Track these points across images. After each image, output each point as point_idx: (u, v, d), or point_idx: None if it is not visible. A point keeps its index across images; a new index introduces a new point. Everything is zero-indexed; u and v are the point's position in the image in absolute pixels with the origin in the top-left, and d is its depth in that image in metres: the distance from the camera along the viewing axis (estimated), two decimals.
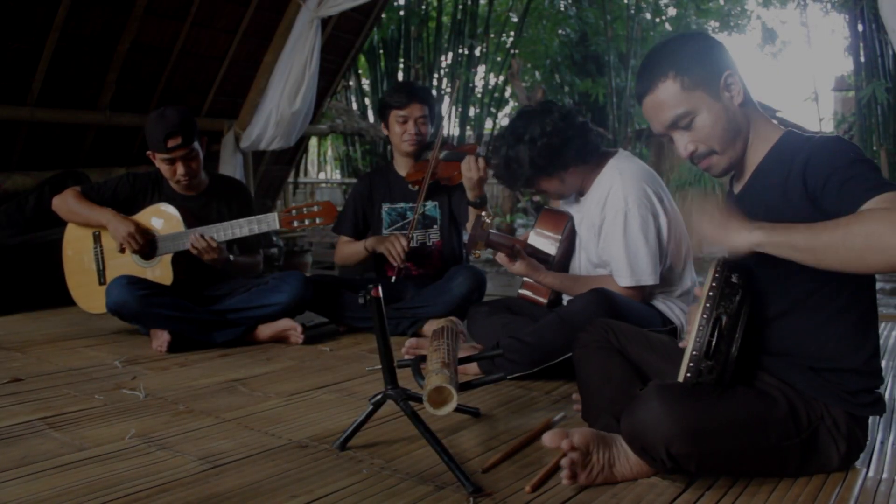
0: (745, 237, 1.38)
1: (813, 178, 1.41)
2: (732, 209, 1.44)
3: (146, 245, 3.01)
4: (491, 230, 2.36)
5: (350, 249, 3.31)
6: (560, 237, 2.59)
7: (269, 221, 2.95)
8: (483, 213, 2.35)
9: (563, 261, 2.62)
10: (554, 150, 2.39)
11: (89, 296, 3.18)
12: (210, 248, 2.92)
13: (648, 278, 2.39)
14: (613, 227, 2.39)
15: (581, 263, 2.61)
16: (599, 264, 2.52)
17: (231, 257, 3.08)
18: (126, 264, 3.07)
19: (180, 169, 3.01)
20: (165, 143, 2.94)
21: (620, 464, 1.55)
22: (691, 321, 1.64)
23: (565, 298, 2.63)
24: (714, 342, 1.46)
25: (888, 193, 1.29)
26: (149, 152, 3.06)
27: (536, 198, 15.46)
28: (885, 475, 1.61)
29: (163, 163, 3.02)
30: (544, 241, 2.61)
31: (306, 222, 2.93)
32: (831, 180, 1.38)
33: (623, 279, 2.40)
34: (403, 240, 3.08)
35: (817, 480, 1.55)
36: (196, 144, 3.04)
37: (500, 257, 2.43)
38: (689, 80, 1.56)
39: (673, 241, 2.42)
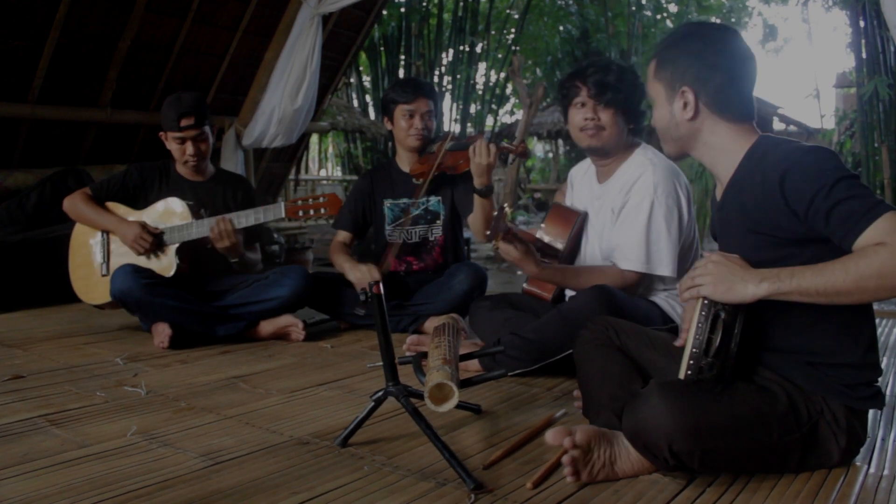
0: (752, 290, 1.41)
1: (794, 196, 1.42)
2: (734, 259, 1.47)
3: (155, 242, 3.04)
4: (509, 224, 2.35)
5: (337, 258, 3.28)
6: (569, 233, 2.58)
7: (276, 210, 3.00)
8: (505, 205, 2.34)
9: (569, 257, 2.62)
10: (640, 98, 2.49)
11: (90, 287, 3.19)
12: (228, 233, 2.94)
13: (665, 268, 2.38)
14: (637, 210, 2.39)
15: (587, 256, 2.61)
16: (609, 256, 2.51)
17: (245, 253, 3.12)
18: (130, 255, 3.09)
19: (189, 149, 3.11)
20: (179, 121, 3.06)
21: (622, 461, 1.55)
22: (687, 318, 1.64)
23: (568, 294, 2.63)
24: (713, 339, 1.46)
25: (884, 221, 1.31)
26: (161, 133, 3.17)
27: (538, 194, 15.48)
28: (885, 472, 1.61)
29: (174, 142, 3.13)
30: (553, 235, 2.61)
31: (311, 213, 2.98)
32: (816, 203, 1.38)
33: (635, 264, 2.38)
34: (375, 271, 3.06)
35: (818, 477, 1.55)
36: (207, 128, 3.16)
37: (504, 246, 2.38)
38: (657, 73, 1.66)
39: (687, 238, 2.44)
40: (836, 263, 1.34)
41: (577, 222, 2.60)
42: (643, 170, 2.42)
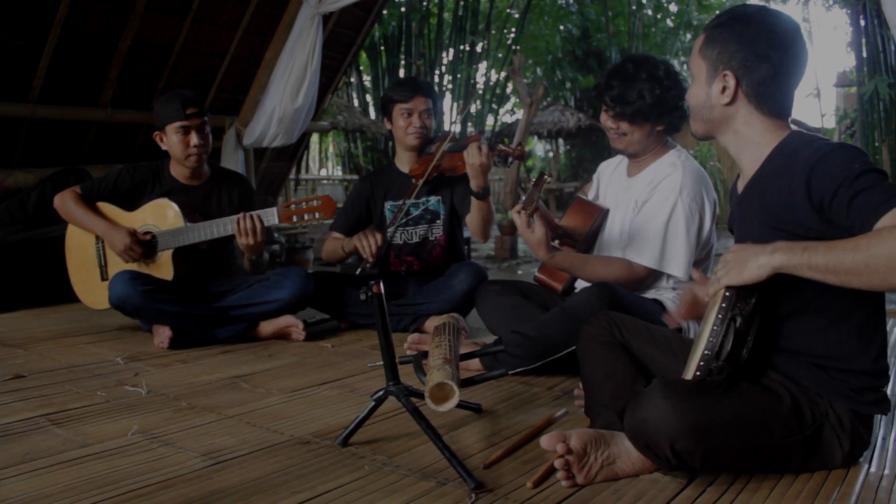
0: (766, 261, 1.38)
1: (818, 189, 1.40)
2: (747, 245, 1.44)
3: (146, 250, 3.01)
4: (541, 200, 2.34)
5: (332, 246, 3.28)
6: (589, 227, 2.58)
7: (268, 216, 2.92)
8: (546, 174, 2.33)
9: (587, 250, 2.62)
10: (673, 101, 2.40)
11: (92, 291, 3.18)
12: (256, 230, 2.85)
13: (677, 269, 2.38)
14: (659, 208, 2.39)
15: (606, 247, 2.60)
16: (627, 248, 2.51)
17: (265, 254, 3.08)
18: None
19: (195, 139, 3.04)
20: (184, 110, 3.01)
21: (621, 461, 1.55)
22: (684, 301, 1.65)
23: (578, 286, 2.63)
24: (725, 343, 1.45)
25: None
26: (157, 133, 3.09)
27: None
28: (886, 471, 1.60)
29: (176, 135, 3.04)
30: (571, 229, 2.61)
31: (305, 217, 2.90)
32: (840, 193, 1.36)
33: (648, 260, 2.38)
34: (379, 235, 3.03)
35: (819, 477, 1.55)
36: (206, 119, 3.11)
37: (522, 227, 2.33)
38: (703, 49, 1.61)
39: (705, 247, 2.44)
40: (848, 241, 1.30)
41: (597, 217, 2.60)
42: (673, 170, 2.42)
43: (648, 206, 2.43)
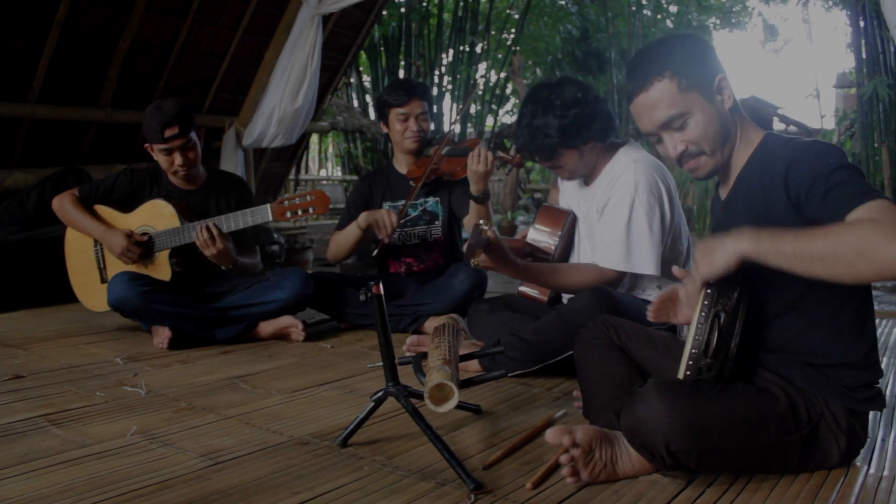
0: (732, 247, 1.38)
1: (795, 185, 1.42)
2: (714, 237, 1.46)
3: (144, 251, 3.00)
4: (490, 235, 2.29)
5: (343, 234, 3.25)
6: (559, 233, 2.58)
7: (262, 213, 2.92)
8: (482, 222, 2.29)
9: (562, 257, 2.62)
10: (582, 120, 2.35)
11: (92, 294, 3.18)
12: (212, 241, 2.87)
13: (647, 267, 2.35)
14: (619, 209, 2.36)
15: (581, 256, 2.60)
16: None
17: (238, 259, 3.05)
18: None
19: (178, 159, 2.98)
20: (162, 132, 2.92)
21: (622, 461, 1.55)
22: (661, 303, 1.70)
23: (565, 297, 2.63)
24: (713, 339, 1.46)
25: (875, 202, 1.30)
26: (146, 145, 3.05)
27: (538, 194, 15.49)
28: (885, 472, 1.61)
29: (160, 153, 3.00)
30: (543, 237, 2.60)
31: (299, 212, 2.89)
32: (815, 187, 1.38)
33: (615, 262, 2.35)
34: (395, 215, 3.07)
35: (818, 477, 1.55)
36: (193, 135, 3.02)
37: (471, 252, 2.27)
38: (686, 81, 1.56)
39: (672, 234, 2.41)
40: (818, 229, 1.32)
41: (566, 222, 2.59)
42: (625, 168, 2.39)
43: (608, 210, 2.40)
